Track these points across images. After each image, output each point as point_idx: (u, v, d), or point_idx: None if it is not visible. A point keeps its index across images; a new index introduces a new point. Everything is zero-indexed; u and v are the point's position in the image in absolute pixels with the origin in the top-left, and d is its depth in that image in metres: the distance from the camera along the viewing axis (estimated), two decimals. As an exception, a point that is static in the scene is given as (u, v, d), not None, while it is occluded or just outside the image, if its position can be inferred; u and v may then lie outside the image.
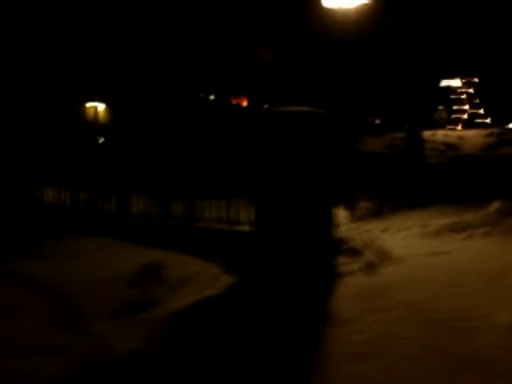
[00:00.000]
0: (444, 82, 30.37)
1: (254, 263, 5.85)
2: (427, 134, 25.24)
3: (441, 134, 28.02)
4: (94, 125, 18.70)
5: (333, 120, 5.29)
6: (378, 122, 32.96)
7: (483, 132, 27.79)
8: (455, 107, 32.13)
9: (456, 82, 31.23)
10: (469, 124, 31.04)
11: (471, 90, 31.77)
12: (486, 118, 31.38)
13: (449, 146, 26.43)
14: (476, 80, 30.99)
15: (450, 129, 29.77)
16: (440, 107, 30.36)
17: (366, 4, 13.33)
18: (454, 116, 31.73)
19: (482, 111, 32.17)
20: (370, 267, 6.55)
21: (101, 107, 18.89)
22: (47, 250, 6.77)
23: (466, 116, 32.68)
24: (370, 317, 4.76)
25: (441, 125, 29.93)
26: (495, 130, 26.45)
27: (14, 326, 4.40)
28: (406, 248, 7.79)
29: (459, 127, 31.45)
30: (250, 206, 7.85)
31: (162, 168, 8.26)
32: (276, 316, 4.75)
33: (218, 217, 7.34)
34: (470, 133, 28.45)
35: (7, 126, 10.15)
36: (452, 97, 29.56)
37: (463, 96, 32.46)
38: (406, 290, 5.65)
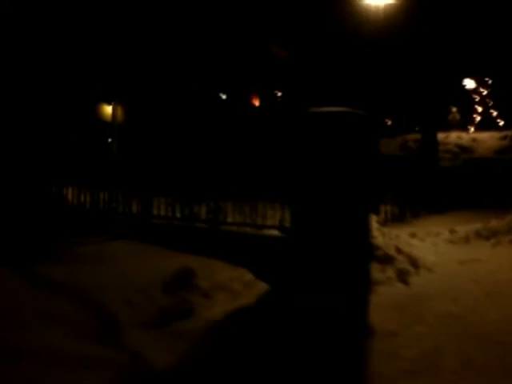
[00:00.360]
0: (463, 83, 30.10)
1: (286, 270, 5.71)
2: (440, 136, 24.97)
3: (454, 136, 27.72)
4: (109, 124, 18.63)
5: (372, 121, 5.13)
6: (389, 122, 32.67)
7: (497, 135, 27.47)
8: (468, 108, 31.83)
9: (470, 83, 30.91)
10: (482, 126, 30.67)
11: (485, 91, 31.46)
12: (501, 120, 31.03)
13: (462, 148, 26.19)
14: (490, 81, 30.70)
15: (463, 131, 29.41)
16: (454, 109, 30.04)
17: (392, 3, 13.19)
18: (467, 117, 31.43)
19: (495, 113, 31.82)
20: (404, 275, 6.41)
21: (115, 107, 18.82)
22: (72, 254, 6.63)
23: (479, 118, 32.32)
24: (415, 329, 4.63)
25: (454, 126, 29.59)
26: (510, 133, 26.12)
27: (51, 336, 4.29)
28: (436, 255, 7.67)
29: (472, 129, 31.09)
30: (276, 208, 7.72)
31: (184, 168, 8.11)
32: (316, 328, 4.62)
33: (243, 220, 7.20)
34: (484, 135, 28.14)
35: (27, 123, 10.00)
36: (466, 98, 29.37)
37: (477, 97, 32.13)
38: (444, 300, 5.51)
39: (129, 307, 5.03)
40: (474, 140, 27.49)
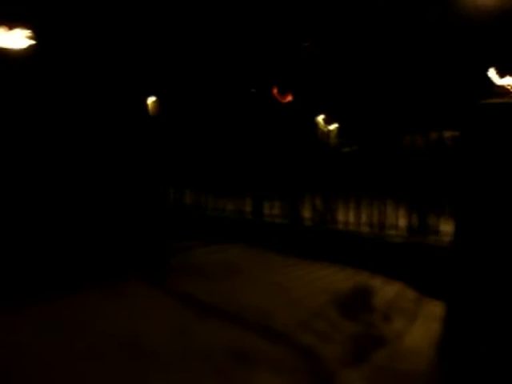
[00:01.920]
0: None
1: (458, 285, 4.88)
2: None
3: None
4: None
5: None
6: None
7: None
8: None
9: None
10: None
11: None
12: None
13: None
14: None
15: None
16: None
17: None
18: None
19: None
20: None
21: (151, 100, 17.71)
22: (195, 262, 5.78)
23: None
24: None
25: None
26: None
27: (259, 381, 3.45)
28: None
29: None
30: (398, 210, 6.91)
31: (288, 166, 7.24)
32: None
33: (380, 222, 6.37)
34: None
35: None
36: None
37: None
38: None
39: (316, 337, 4.18)
40: None
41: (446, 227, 5.98)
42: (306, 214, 7.12)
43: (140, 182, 5.37)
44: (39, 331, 3.52)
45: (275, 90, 16.41)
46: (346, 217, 6.96)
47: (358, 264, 5.84)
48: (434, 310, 5.02)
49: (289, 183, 7.32)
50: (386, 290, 5.22)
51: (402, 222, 6.73)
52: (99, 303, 4.07)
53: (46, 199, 4.63)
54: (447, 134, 7.56)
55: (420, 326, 4.66)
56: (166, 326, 3.85)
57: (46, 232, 4.59)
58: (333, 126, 16.39)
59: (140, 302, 4.27)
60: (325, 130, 16.24)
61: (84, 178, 4.90)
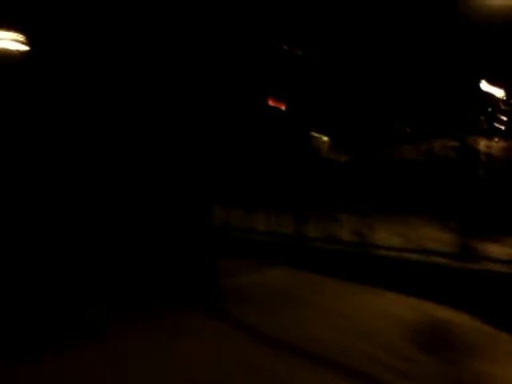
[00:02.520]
0: (484, 88, 29.18)
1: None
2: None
3: (482, 145, 26.96)
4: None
5: None
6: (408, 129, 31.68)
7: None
8: (493, 116, 31.06)
9: (498, 91, 30.11)
10: (507, 135, 29.86)
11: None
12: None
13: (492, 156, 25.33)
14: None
15: (491, 139, 28.52)
16: (482, 117, 29.16)
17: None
18: (492, 126, 30.65)
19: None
20: None
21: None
22: (241, 288, 5.30)
23: (503, 127, 31.59)
24: None
25: (481, 134, 28.67)
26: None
27: None
28: None
29: (496, 139, 30.27)
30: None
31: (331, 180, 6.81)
32: None
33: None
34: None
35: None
36: (491, 105, 28.47)
37: (503, 106, 31.36)
38: None
39: (397, 375, 3.73)
40: (504, 149, 26.72)
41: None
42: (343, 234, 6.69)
43: (191, 203, 4.90)
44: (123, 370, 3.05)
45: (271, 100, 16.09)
46: (388, 238, 6.55)
47: (415, 291, 5.40)
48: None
49: (325, 203, 6.91)
50: (457, 323, 4.79)
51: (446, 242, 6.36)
52: (166, 338, 3.59)
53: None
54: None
55: (508, 367, 4.23)
56: (249, 370, 3.39)
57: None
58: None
59: (207, 338, 3.80)
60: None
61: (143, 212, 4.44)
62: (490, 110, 27.88)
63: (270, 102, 17.15)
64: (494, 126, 31.06)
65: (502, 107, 30.45)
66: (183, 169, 5.02)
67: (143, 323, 3.85)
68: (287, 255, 6.34)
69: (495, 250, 6.19)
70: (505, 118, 32.00)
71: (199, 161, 5.17)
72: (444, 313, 4.96)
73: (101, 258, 4.30)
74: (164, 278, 4.59)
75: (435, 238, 6.49)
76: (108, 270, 4.38)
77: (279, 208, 7.07)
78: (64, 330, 3.58)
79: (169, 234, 4.71)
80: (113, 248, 4.34)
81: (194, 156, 5.06)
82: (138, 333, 3.66)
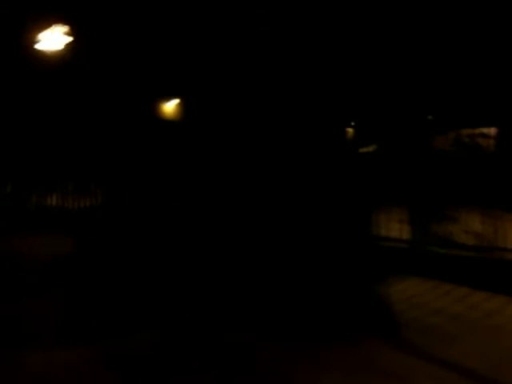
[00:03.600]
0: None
1: None
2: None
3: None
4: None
5: None
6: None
7: None
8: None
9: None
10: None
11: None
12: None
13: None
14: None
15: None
16: None
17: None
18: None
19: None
20: None
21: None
22: (406, 312, 4.85)
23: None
24: None
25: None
26: None
27: None
28: None
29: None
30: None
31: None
32: None
33: None
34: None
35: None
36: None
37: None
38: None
39: None
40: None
41: None
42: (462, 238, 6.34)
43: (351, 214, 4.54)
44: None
45: None
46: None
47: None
48: None
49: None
50: None
51: None
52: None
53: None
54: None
55: None
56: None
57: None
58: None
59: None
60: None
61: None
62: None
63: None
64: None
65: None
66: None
67: (322, 354, 3.57)
68: (410, 262, 6.03)
69: None
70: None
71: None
72: None
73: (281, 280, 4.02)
74: (332, 301, 4.25)
75: None
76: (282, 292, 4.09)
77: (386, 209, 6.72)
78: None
79: (336, 251, 4.38)
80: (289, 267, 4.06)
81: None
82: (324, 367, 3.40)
